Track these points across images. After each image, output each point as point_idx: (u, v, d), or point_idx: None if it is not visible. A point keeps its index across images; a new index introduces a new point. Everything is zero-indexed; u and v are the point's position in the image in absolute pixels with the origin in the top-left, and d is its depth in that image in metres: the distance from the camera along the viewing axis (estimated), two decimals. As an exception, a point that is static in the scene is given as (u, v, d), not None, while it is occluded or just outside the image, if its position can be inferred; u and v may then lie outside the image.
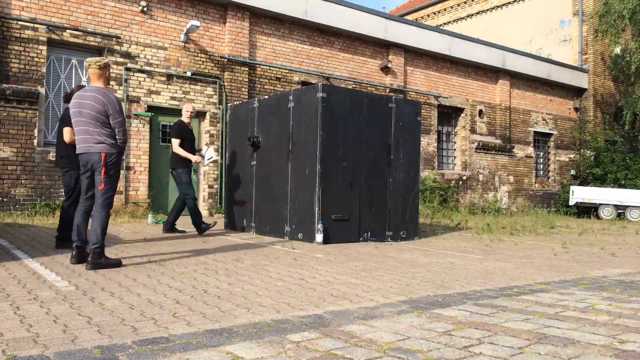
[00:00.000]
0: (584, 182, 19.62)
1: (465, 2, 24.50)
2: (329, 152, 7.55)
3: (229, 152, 9.52)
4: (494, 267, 5.74)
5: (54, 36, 10.20)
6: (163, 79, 11.38)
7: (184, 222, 9.43)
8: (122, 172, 10.76)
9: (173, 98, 11.51)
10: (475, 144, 17.27)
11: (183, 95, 11.63)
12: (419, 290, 4.24)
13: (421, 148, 11.89)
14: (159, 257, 5.60)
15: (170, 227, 8.07)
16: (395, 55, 15.16)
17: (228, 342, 2.67)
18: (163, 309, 3.34)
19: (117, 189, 10.56)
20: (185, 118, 8.13)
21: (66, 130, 5.79)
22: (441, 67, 16.54)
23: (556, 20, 21.35)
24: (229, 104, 9.99)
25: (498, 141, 17.97)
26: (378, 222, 8.09)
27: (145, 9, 11.09)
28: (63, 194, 10.08)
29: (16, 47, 9.81)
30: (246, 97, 12.30)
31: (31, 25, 9.96)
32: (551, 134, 19.94)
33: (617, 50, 19.53)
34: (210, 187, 12.04)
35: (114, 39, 10.78)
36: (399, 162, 8.32)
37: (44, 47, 10.10)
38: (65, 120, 5.77)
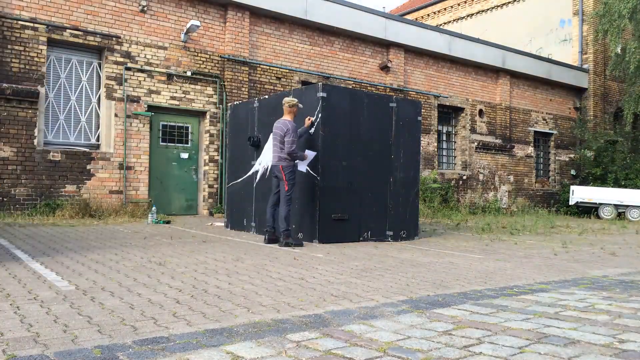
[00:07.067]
0: (584, 182, 19.60)
1: (465, 2, 24.47)
2: (329, 152, 7.55)
3: (229, 151, 9.52)
4: (494, 266, 5.74)
5: (54, 36, 10.20)
6: (163, 78, 11.38)
7: (184, 222, 9.41)
8: (122, 171, 10.77)
9: (173, 98, 11.50)
10: (476, 143, 17.27)
11: (183, 95, 11.63)
12: (419, 289, 4.24)
13: (421, 148, 11.88)
14: (159, 257, 5.60)
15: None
16: (395, 54, 15.15)
17: (228, 341, 2.67)
18: (163, 308, 3.34)
19: (117, 188, 10.68)
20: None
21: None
22: (441, 66, 16.53)
23: (556, 20, 21.34)
24: (229, 104, 9.99)
25: (498, 141, 17.96)
26: (378, 221, 8.08)
27: (145, 8, 11.08)
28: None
29: (16, 47, 9.81)
30: (246, 97, 12.29)
31: (31, 24, 9.96)
32: (551, 134, 19.92)
33: (618, 49, 19.51)
34: (210, 187, 12.03)
35: (114, 38, 10.78)
36: (399, 162, 8.31)
37: (44, 47, 10.10)
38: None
